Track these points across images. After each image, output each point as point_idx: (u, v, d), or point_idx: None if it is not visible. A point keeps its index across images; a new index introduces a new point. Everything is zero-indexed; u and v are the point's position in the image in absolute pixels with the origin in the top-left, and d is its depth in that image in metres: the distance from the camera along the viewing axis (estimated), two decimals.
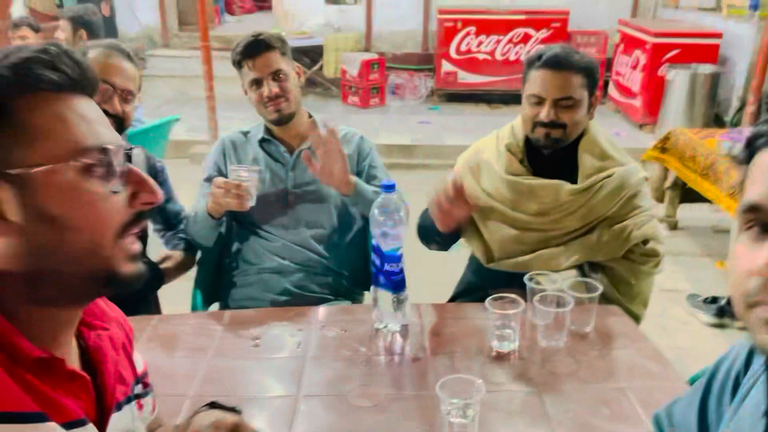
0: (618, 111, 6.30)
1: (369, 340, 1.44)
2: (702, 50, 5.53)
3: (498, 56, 6.61)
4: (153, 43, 7.96)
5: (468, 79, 6.71)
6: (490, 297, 1.38)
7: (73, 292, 0.69)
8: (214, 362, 1.38)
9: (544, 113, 1.63)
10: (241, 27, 9.04)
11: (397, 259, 1.38)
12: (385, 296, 1.42)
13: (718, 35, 5.55)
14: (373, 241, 1.41)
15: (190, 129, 5.69)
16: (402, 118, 6.34)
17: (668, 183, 3.98)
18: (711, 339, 2.92)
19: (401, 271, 1.40)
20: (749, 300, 0.65)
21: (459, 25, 6.56)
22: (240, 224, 1.96)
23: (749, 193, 0.69)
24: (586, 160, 1.70)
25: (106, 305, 0.85)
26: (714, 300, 3.03)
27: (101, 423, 0.75)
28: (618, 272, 1.67)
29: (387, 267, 1.38)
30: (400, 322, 1.45)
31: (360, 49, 7.16)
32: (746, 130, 3.75)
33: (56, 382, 0.68)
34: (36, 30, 4.12)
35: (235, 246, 1.97)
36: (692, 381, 1.46)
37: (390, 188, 1.38)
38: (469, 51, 6.63)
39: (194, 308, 1.95)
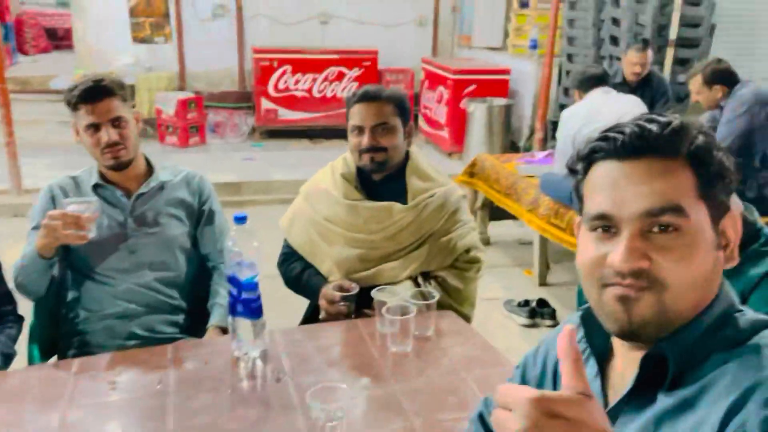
0: (428, 141, 6.83)
1: (231, 369, 1.49)
2: (495, 85, 6.23)
3: (316, 93, 6.86)
4: None
5: (288, 115, 6.87)
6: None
7: None
8: (69, 412, 1.34)
9: (365, 140, 1.85)
10: (38, 67, 8.41)
11: (254, 286, 1.46)
12: (244, 324, 1.49)
13: (507, 71, 6.30)
14: (229, 272, 1.47)
15: None
16: (225, 157, 6.31)
17: (478, 204, 4.43)
18: (525, 338, 3.31)
19: (258, 297, 1.47)
20: (603, 281, 0.80)
21: (275, 64, 6.72)
22: (77, 271, 1.89)
23: (593, 202, 0.81)
24: (412, 183, 1.92)
25: None
26: (526, 303, 3.43)
27: None
28: (448, 279, 1.89)
29: (245, 295, 1.45)
30: (260, 347, 1.52)
31: (174, 89, 7.02)
32: (538, 154, 4.32)
33: None
34: None
35: (71, 294, 1.90)
36: None
37: (242, 220, 1.46)
38: (287, 89, 6.80)
39: (31, 364, 1.83)
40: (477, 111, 5.84)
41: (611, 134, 0.81)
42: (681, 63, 5.13)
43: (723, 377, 0.74)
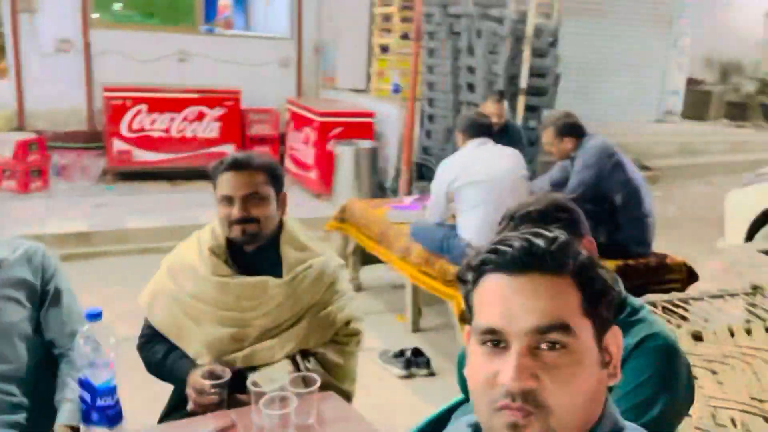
0: (295, 182, 6.74)
1: None
2: (360, 127, 6.28)
3: (174, 133, 6.54)
4: None
5: (144, 157, 6.48)
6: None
7: None
8: None
9: (236, 211, 1.74)
10: None
11: (112, 390, 1.28)
12: None
13: (372, 114, 6.39)
14: (81, 376, 1.28)
15: None
16: (72, 203, 5.80)
17: (350, 249, 4.39)
18: (403, 390, 3.28)
19: (117, 402, 1.30)
20: (495, 405, 0.79)
21: (129, 102, 6.34)
22: None
23: (484, 315, 0.82)
24: (287, 253, 1.82)
25: None
26: (401, 354, 3.41)
27: None
28: (328, 356, 1.79)
29: (100, 402, 1.27)
30: None
31: (12, 128, 6.39)
32: (406, 199, 4.37)
33: None
34: None
35: None
36: None
37: (97, 316, 1.28)
38: (142, 129, 6.42)
39: None
40: (344, 153, 5.85)
41: (501, 247, 0.83)
42: (531, 110, 5.47)
43: None
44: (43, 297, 1.78)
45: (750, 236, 4.54)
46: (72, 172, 6.44)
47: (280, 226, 1.85)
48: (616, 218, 3.42)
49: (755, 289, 2.88)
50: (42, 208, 5.58)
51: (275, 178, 1.83)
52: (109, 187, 6.34)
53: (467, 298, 0.87)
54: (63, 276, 1.85)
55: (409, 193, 5.30)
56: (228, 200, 1.76)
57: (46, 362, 1.77)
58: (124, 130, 6.35)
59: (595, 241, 1.53)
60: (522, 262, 0.81)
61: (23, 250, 1.79)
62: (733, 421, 1.80)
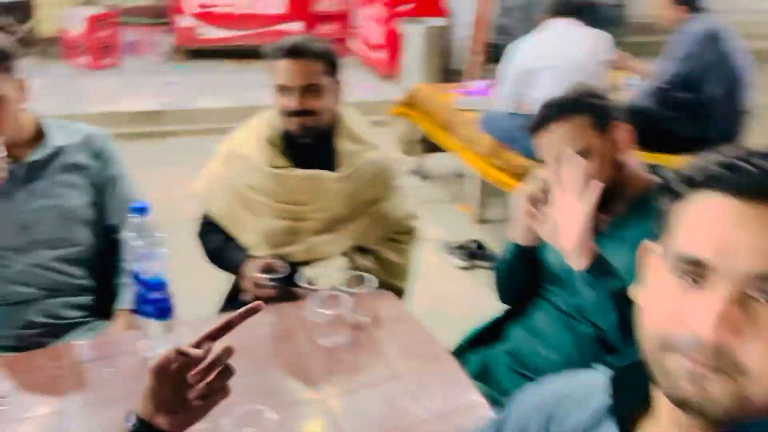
0: (362, 64, 6.52)
1: (140, 374, 1.32)
2: (432, 3, 5.91)
3: (240, 9, 6.35)
4: None
5: (210, 33, 6.35)
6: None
7: None
8: None
9: (293, 102, 1.64)
10: None
11: (161, 285, 1.27)
12: (153, 325, 1.31)
13: None
14: (132, 268, 1.28)
15: None
16: (144, 80, 5.83)
17: (416, 136, 4.26)
18: (463, 280, 3.26)
19: (168, 296, 1.29)
20: (672, 347, 0.63)
21: None
22: None
23: (691, 241, 0.64)
24: (344, 147, 1.73)
25: None
26: (463, 246, 3.36)
27: None
28: (385, 254, 1.75)
29: (151, 295, 1.27)
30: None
31: (81, 2, 6.36)
32: (475, 84, 4.14)
33: None
34: None
35: None
36: (454, 352, 1.60)
37: (143, 210, 1.25)
38: (206, 4, 6.26)
39: None
40: (413, 32, 5.55)
41: (742, 164, 0.64)
42: None
43: None
44: (102, 182, 1.78)
45: None
46: (142, 48, 6.43)
47: (338, 117, 1.75)
48: (709, 110, 3.13)
49: None
50: (113, 84, 5.64)
51: (333, 67, 1.71)
52: (180, 65, 6.31)
53: (665, 213, 0.68)
54: (121, 162, 1.84)
55: (480, 77, 5.03)
56: (284, 89, 1.66)
57: (109, 246, 1.80)
58: (188, 5, 6.21)
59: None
60: (764, 188, 0.62)
61: (83, 136, 1.78)
62: None
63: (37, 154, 1.68)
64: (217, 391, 0.87)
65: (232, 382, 0.89)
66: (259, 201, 1.72)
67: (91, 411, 1.22)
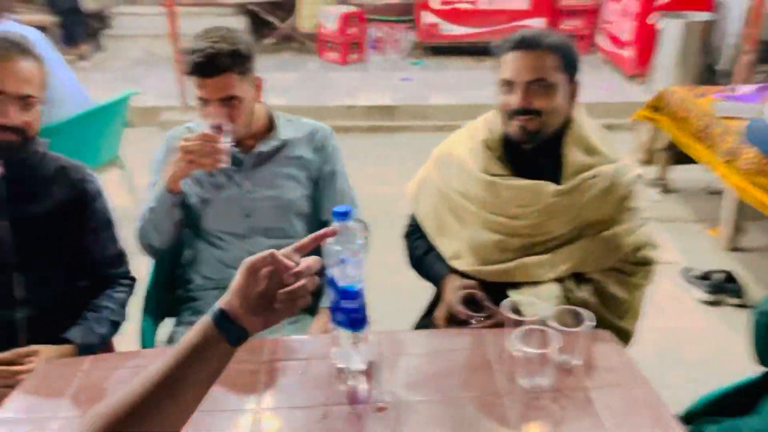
0: (607, 61, 6.04)
1: (329, 384, 1.28)
2: None
3: (483, 5, 6.27)
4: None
5: (452, 30, 6.39)
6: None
7: None
8: None
9: (516, 98, 1.47)
10: None
11: (355, 295, 1.20)
12: (344, 334, 1.25)
13: None
14: (328, 274, 1.22)
15: (159, 94, 5.40)
16: (383, 76, 6.04)
17: (661, 144, 3.79)
18: (704, 316, 2.80)
19: (361, 308, 1.22)
20: None
21: None
22: (194, 230, 1.77)
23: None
24: (571, 157, 1.52)
25: None
26: (708, 275, 2.88)
27: None
28: (607, 286, 1.50)
29: (343, 304, 1.21)
30: (362, 362, 1.29)
31: (336, 2, 6.79)
32: (741, 88, 3.54)
33: None
34: None
35: (186, 254, 1.80)
36: (686, 416, 1.32)
37: (344, 215, 1.19)
38: (451, 1, 6.28)
39: (144, 333, 1.76)
40: (670, 28, 4.96)
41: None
42: None
43: None
44: (320, 176, 1.79)
45: None
46: (385, 45, 6.67)
47: (568, 121, 1.54)
48: None
49: None
50: (356, 80, 5.93)
51: (569, 63, 1.50)
52: (418, 62, 6.44)
53: None
54: (341, 159, 1.83)
55: (749, 80, 4.32)
56: (508, 85, 1.49)
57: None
58: (433, 2, 6.29)
59: None
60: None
61: (308, 131, 1.81)
62: None
63: (265, 146, 1.74)
64: (299, 297, 0.91)
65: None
66: (467, 209, 1.58)
67: (276, 415, 1.20)
